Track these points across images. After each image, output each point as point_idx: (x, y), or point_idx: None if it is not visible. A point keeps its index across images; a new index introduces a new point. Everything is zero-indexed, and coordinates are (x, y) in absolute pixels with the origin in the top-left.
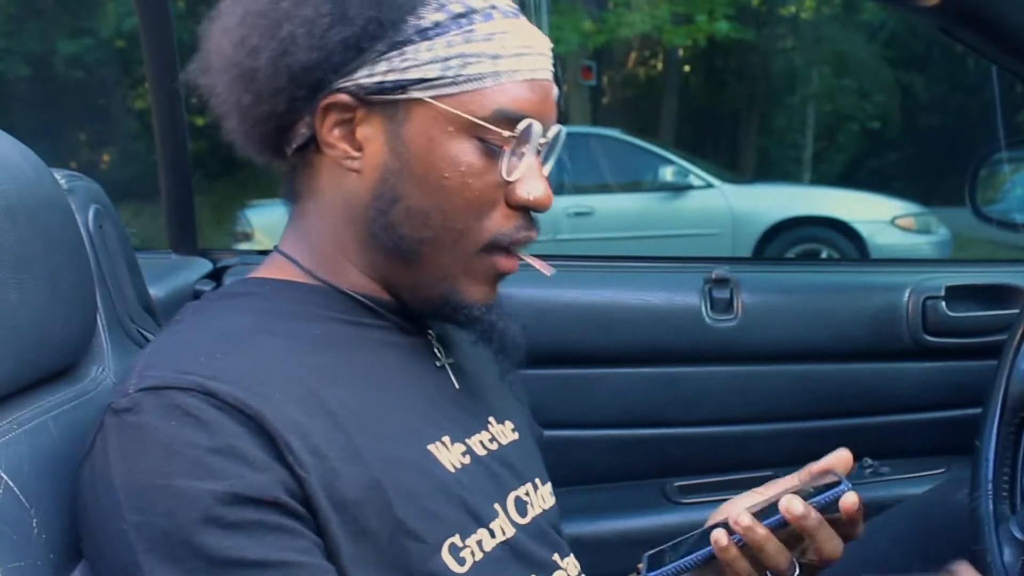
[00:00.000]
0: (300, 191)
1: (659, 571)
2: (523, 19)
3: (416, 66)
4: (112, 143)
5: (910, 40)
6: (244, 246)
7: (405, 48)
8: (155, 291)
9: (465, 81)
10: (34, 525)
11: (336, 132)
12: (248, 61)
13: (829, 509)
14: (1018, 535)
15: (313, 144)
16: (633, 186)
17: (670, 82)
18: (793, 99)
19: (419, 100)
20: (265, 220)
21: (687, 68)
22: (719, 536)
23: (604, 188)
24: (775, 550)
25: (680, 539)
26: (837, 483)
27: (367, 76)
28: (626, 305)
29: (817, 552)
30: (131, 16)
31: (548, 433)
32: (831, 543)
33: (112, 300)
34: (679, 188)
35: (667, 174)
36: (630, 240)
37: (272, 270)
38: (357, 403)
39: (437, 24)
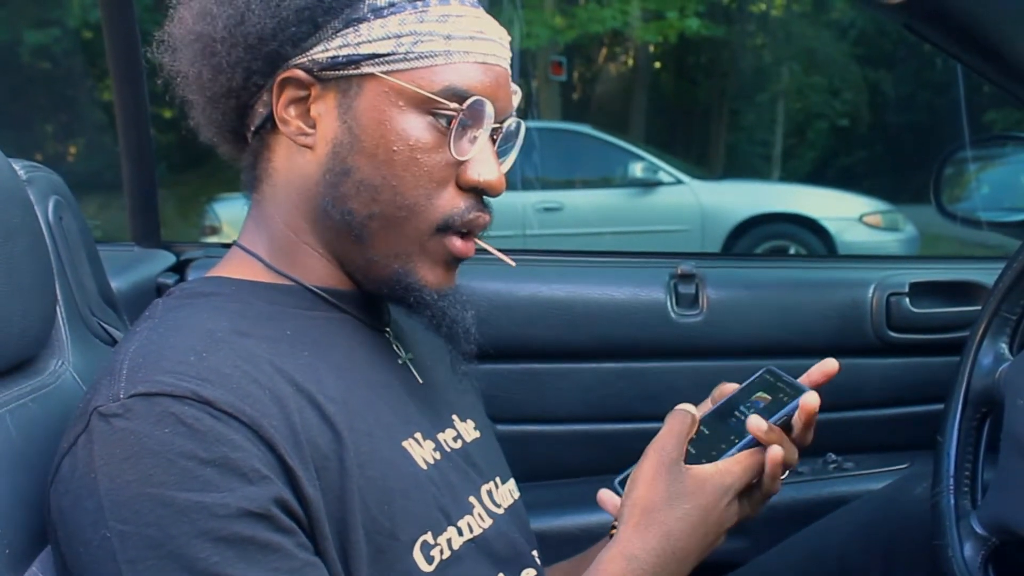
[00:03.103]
0: (258, 176)
1: None
2: (481, 9)
3: (369, 42)
4: (79, 135)
5: (879, 38)
6: (212, 239)
7: (360, 25)
8: (117, 284)
9: (416, 58)
10: None
11: (292, 109)
12: (207, 30)
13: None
14: (978, 530)
15: (270, 124)
16: (603, 182)
17: (640, 78)
18: (763, 96)
19: (371, 75)
20: (233, 213)
21: (657, 64)
22: None
23: (574, 184)
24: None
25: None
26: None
27: (322, 52)
28: (591, 300)
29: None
30: (98, 6)
31: (513, 428)
32: (793, 453)
33: (72, 292)
34: (649, 184)
35: (637, 170)
36: (599, 236)
37: (234, 268)
38: (340, 399)
39: (391, 4)
